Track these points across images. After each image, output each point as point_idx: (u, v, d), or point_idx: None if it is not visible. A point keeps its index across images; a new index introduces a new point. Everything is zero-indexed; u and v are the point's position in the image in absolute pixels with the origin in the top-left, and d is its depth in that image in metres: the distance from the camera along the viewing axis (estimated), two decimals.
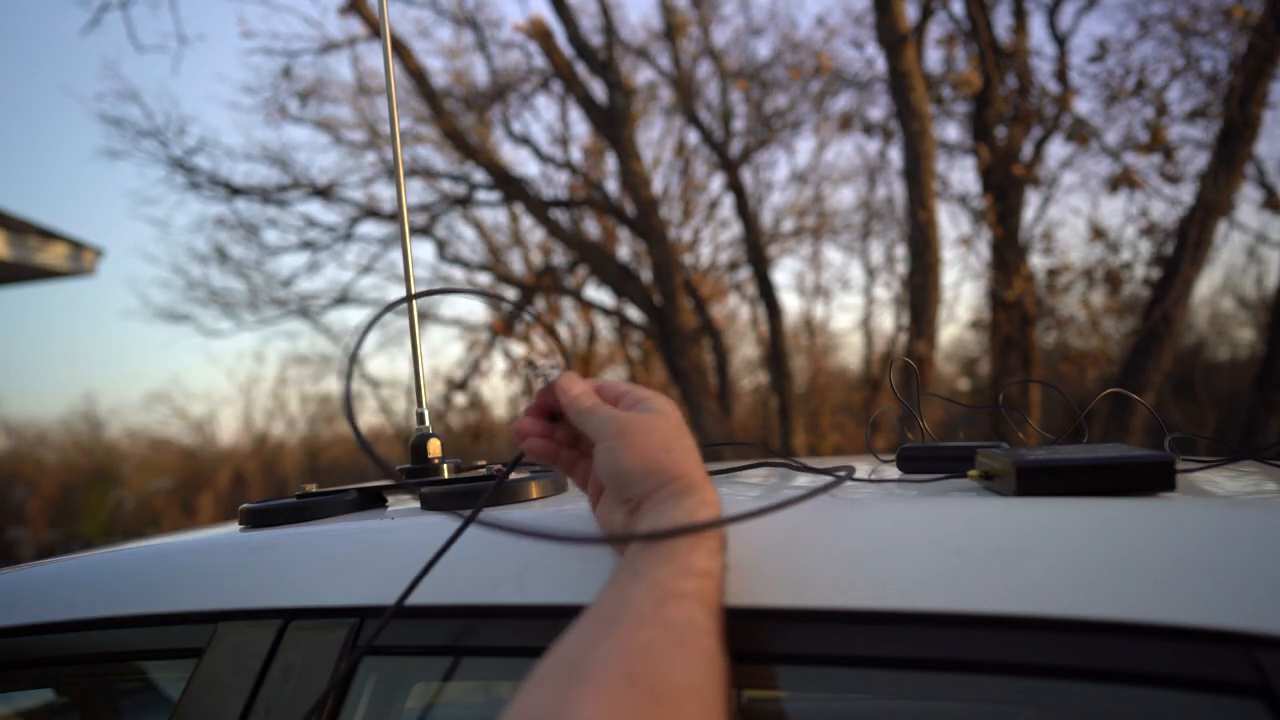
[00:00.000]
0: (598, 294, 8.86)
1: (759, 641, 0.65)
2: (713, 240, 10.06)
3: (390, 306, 0.81)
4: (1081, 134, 5.38)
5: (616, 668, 0.46)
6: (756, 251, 7.67)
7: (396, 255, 8.81)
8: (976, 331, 8.29)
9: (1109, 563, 0.59)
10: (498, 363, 14.41)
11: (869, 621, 0.62)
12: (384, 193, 8.58)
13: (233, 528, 1.01)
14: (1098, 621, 0.57)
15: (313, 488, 1.04)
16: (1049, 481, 0.69)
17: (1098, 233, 5.52)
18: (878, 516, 0.69)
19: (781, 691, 0.69)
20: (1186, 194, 5.35)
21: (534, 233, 9.33)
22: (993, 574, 0.61)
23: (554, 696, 0.44)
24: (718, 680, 0.50)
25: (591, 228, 8.92)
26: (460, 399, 8.82)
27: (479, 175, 7.81)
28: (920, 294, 4.34)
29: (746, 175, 8.69)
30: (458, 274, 9.66)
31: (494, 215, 9.71)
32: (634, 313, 7.80)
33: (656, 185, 8.86)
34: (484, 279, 9.41)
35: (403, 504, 1.02)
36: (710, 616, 0.53)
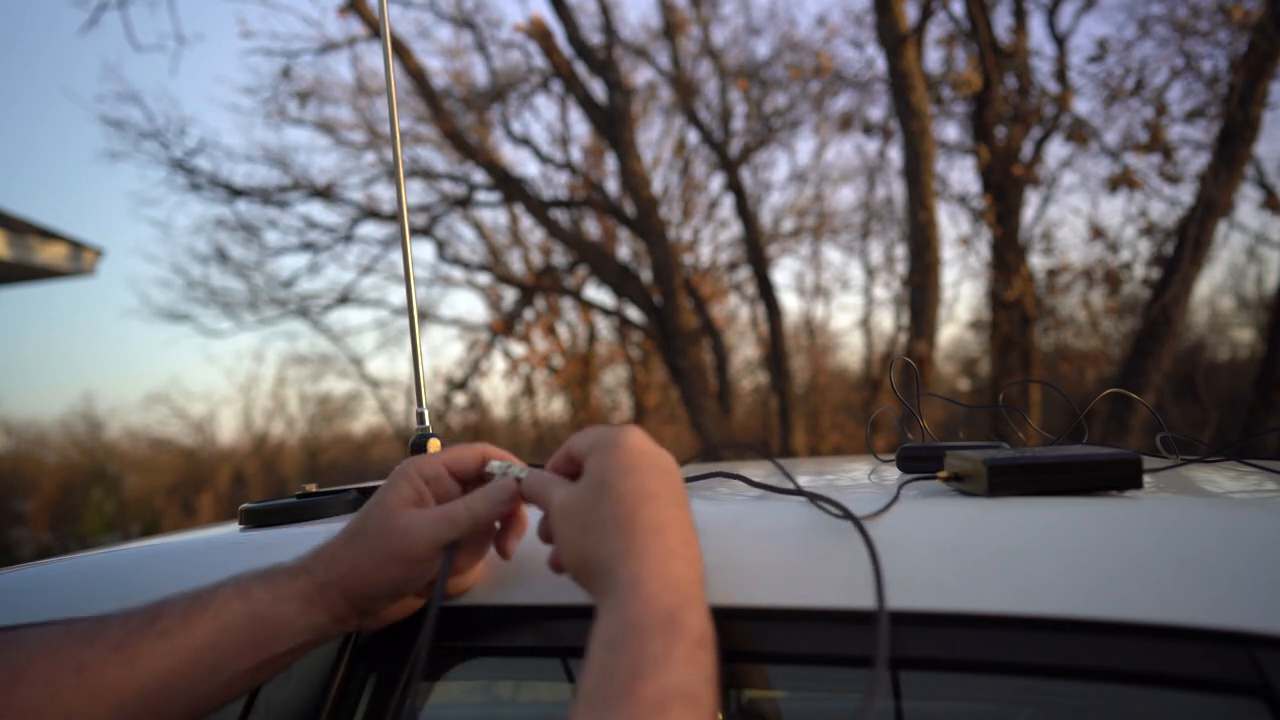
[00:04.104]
0: (598, 294, 8.86)
1: (759, 641, 0.65)
2: (713, 240, 10.07)
3: None
4: (1080, 134, 5.39)
5: None
6: (756, 251, 7.67)
7: (397, 256, 8.81)
8: (976, 331, 8.30)
9: (1109, 563, 0.59)
10: (497, 363, 14.42)
11: (869, 621, 0.61)
12: (384, 193, 8.59)
13: (232, 528, 1.01)
14: (1098, 621, 0.57)
15: (313, 488, 1.04)
16: (1020, 481, 0.69)
17: (1097, 232, 5.52)
18: (878, 516, 0.69)
19: (783, 691, 0.69)
20: (1186, 194, 5.36)
21: (534, 233, 9.34)
22: (993, 574, 0.61)
23: None
24: None
25: (591, 228, 8.92)
26: (460, 399, 8.83)
27: (479, 175, 7.81)
28: (920, 294, 4.34)
29: (746, 175, 8.69)
30: (458, 274, 9.67)
31: (494, 215, 9.72)
32: (634, 313, 7.80)
33: (656, 185, 8.86)
34: (484, 279, 9.41)
35: None
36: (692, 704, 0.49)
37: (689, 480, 0.88)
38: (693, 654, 0.51)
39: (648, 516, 0.58)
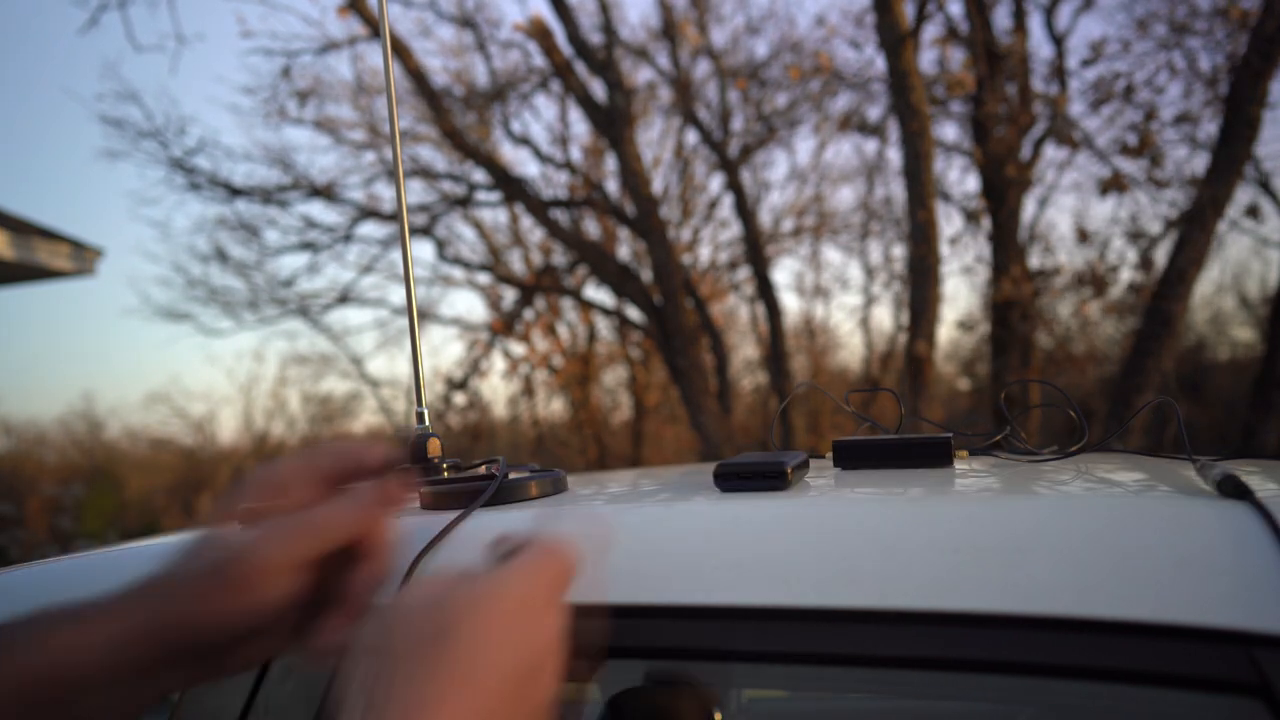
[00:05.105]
0: (598, 294, 8.86)
1: (758, 640, 0.65)
2: (713, 240, 10.07)
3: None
4: (1070, 136, 5.39)
5: None
6: (756, 251, 7.68)
7: (397, 255, 8.81)
8: (970, 332, 8.31)
9: (1109, 562, 0.59)
10: (497, 363, 14.42)
11: (869, 621, 0.62)
12: (384, 193, 8.59)
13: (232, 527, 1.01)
14: (1098, 621, 0.57)
15: None
16: (860, 458, 0.92)
17: (1084, 235, 5.54)
18: (876, 515, 0.69)
19: (782, 691, 0.69)
20: (1176, 198, 5.37)
21: (534, 233, 9.34)
22: (993, 574, 0.61)
23: None
24: None
25: (591, 228, 8.92)
26: (460, 399, 8.82)
27: (479, 175, 7.82)
28: (920, 294, 4.34)
29: (746, 175, 8.69)
30: (458, 274, 9.67)
31: (494, 215, 9.73)
32: (634, 313, 7.80)
33: (656, 185, 8.86)
34: (484, 279, 9.41)
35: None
36: None
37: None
38: None
39: (424, 682, 0.42)
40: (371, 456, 0.59)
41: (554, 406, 10.23)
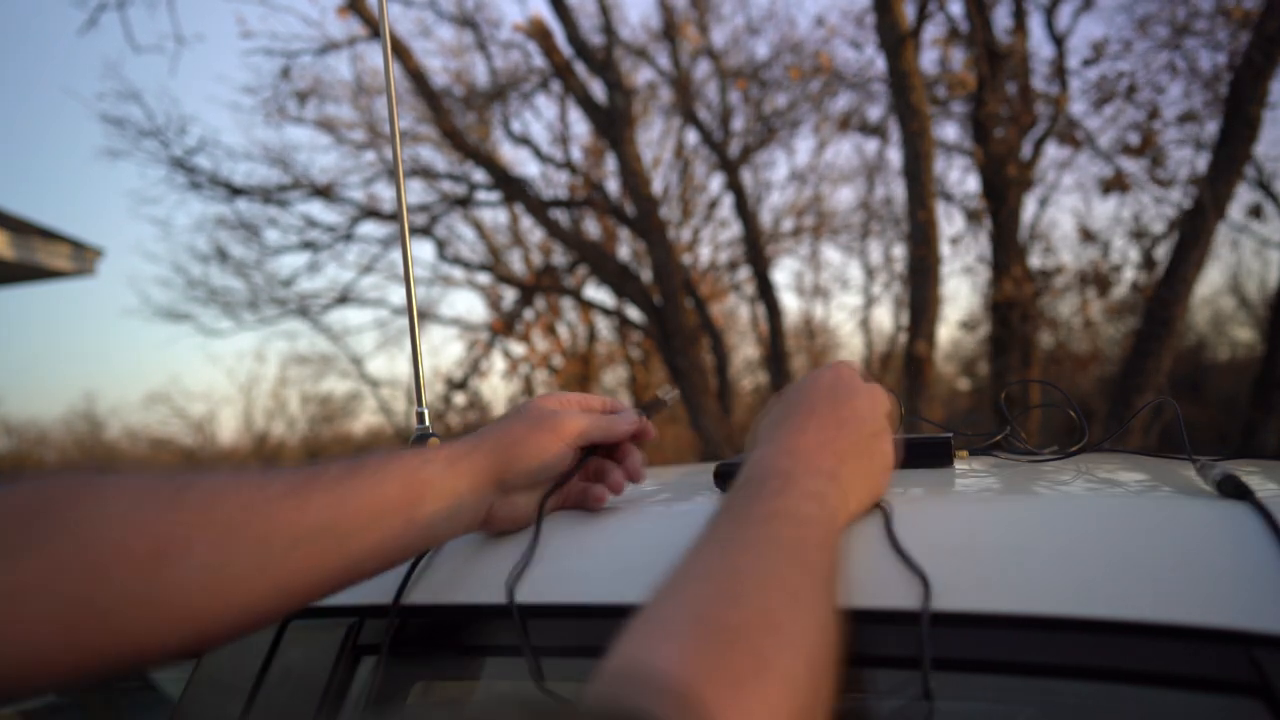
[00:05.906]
0: (598, 294, 8.87)
1: None
2: (713, 240, 10.07)
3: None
4: (1072, 136, 5.38)
5: (683, 613, 0.48)
6: (756, 251, 7.68)
7: (397, 255, 8.82)
8: (967, 332, 8.32)
9: (1109, 562, 0.59)
10: (497, 362, 14.42)
11: (870, 621, 0.62)
12: (384, 193, 8.59)
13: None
14: (1098, 621, 0.57)
15: None
16: None
17: (1087, 235, 5.54)
18: (875, 514, 0.69)
19: None
20: (1178, 197, 5.37)
21: (534, 233, 9.35)
22: (993, 574, 0.61)
23: (630, 650, 0.46)
24: (801, 617, 0.49)
25: (591, 228, 8.92)
26: (460, 399, 8.83)
27: (479, 175, 7.82)
28: (920, 294, 4.34)
29: (746, 175, 8.70)
30: (458, 274, 9.67)
31: (494, 215, 9.74)
32: (634, 313, 7.80)
33: (656, 185, 8.86)
34: (484, 279, 9.41)
35: None
36: (790, 557, 0.53)
37: None
38: (804, 498, 0.58)
39: (797, 419, 0.67)
40: (618, 406, 0.81)
41: None
